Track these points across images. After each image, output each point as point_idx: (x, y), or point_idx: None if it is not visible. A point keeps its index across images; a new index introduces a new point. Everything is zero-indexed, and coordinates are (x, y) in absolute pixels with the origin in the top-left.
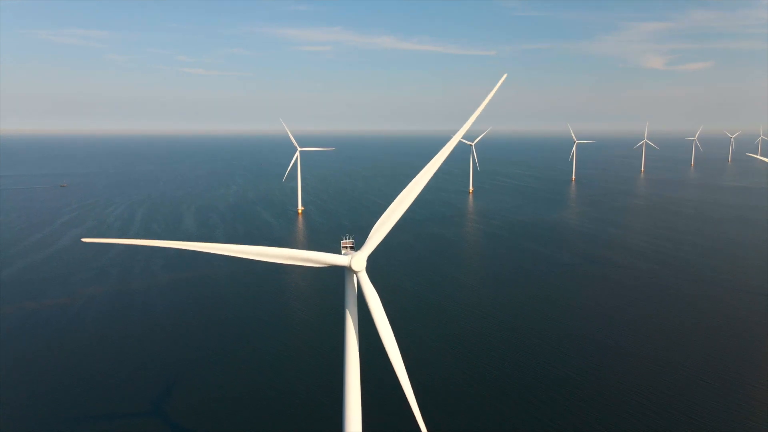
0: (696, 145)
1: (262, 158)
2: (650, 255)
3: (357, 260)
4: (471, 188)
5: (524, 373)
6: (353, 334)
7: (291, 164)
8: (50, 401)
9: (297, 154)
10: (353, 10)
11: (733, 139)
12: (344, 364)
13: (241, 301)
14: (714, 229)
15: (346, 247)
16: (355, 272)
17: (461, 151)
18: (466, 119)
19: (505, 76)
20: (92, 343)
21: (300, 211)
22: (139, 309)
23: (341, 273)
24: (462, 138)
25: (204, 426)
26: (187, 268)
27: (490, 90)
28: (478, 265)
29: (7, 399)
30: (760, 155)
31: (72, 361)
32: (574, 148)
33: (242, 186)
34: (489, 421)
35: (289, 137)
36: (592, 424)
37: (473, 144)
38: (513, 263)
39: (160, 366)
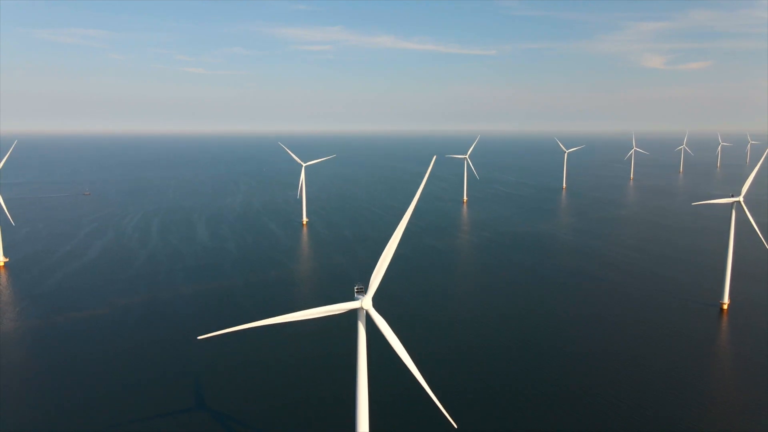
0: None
1: (264, 163)
2: (624, 267)
3: (366, 301)
4: (465, 198)
5: (510, 378)
6: (363, 364)
7: (301, 181)
8: (104, 404)
9: (303, 171)
10: (353, 10)
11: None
12: (355, 378)
13: (258, 311)
14: (685, 241)
15: (360, 290)
16: (366, 310)
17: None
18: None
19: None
20: (133, 350)
21: (305, 223)
22: (168, 319)
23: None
24: (457, 155)
25: (226, 428)
26: (206, 280)
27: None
28: (469, 277)
29: (64, 402)
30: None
31: (119, 367)
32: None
33: (247, 194)
34: (480, 424)
35: (292, 157)
36: (576, 425)
37: (467, 156)
38: (500, 275)
39: (192, 374)
